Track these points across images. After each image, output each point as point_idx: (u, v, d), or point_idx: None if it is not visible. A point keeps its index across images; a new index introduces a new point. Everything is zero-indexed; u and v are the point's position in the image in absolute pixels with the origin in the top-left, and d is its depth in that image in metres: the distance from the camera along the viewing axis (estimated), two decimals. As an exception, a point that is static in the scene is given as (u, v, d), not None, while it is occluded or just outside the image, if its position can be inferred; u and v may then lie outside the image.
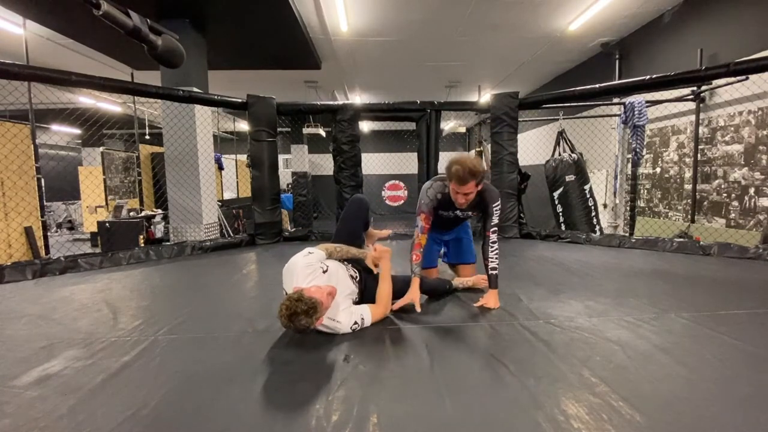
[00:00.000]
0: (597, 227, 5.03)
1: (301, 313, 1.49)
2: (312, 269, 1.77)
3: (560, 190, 5.03)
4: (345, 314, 1.75)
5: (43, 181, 4.63)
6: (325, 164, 14.04)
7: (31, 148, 4.49)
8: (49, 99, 5.36)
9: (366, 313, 1.81)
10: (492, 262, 2.07)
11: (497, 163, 4.29)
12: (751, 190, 3.97)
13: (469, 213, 2.22)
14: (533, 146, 6.66)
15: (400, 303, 1.97)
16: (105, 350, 1.62)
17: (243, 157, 8.99)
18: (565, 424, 1.08)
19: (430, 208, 2.11)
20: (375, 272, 2.04)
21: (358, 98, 9.95)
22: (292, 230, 4.82)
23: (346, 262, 2.00)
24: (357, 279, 1.95)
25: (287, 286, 1.76)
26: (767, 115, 3.81)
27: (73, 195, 9.84)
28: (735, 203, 4.15)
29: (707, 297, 2.19)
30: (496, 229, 2.10)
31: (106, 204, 7.17)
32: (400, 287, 2.04)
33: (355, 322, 1.75)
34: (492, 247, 2.07)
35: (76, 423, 1.13)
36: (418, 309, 1.93)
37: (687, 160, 4.74)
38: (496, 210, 2.08)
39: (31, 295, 2.44)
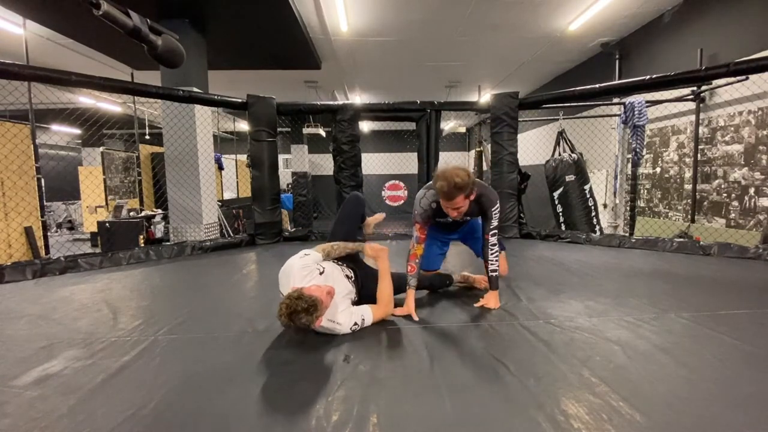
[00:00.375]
0: (597, 227, 5.03)
1: (301, 311, 1.49)
2: (308, 270, 1.77)
3: (560, 190, 5.03)
4: (344, 315, 1.74)
5: (43, 181, 4.64)
6: (325, 164, 14.04)
7: (31, 148, 4.49)
8: (49, 99, 5.36)
9: (367, 314, 1.80)
10: (492, 264, 2.06)
11: (497, 163, 4.29)
12: (751, 190, 3.97)
13: (467, 218, 2.18)
14: (533, 146, 6.66)
15: (397, 312, 1.96)
16: (105, 350, 1.62)
17: (243, 157, 8.99)
18: (565, 424, 1.08)
19: (425, 219, 2.07)
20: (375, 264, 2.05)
21: (358, 98, 9.95)
22: (292, 230, 4.83)
23: (340, 263, 2.00)
24: (353, 279, 1.96)
25: (284, 289, 1.75)
26: (767, 115, 3.81)
27: (73, 195, 9.84)
28: (735, 203, 4.15)
29: (707, 297, 2.19)
30: (495, 231, 2.07)
31: (106, 204, 7.18)
32: (397, 285, 2.05)
33: (355, 323, 1.74)
34: (492, 249, 2.06)
35: (76, 423, 1.13)
36: (416, 318, 1.91)
37: (687, 160, 4.74)
38: (495, 213, 2.05)
39: (31, 295, 2.44)
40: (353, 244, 2.10)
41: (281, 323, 1.57)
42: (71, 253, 3.25)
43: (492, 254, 2.06)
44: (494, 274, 2.07)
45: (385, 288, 1.91)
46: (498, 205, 2.05)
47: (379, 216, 2.82)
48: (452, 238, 2.50)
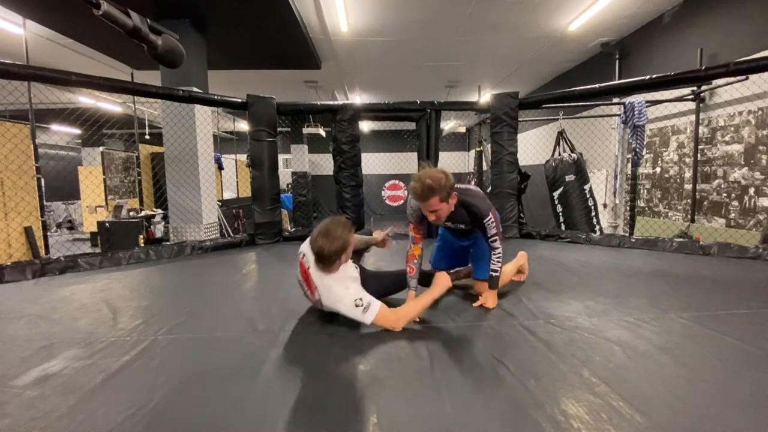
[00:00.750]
0: (597, 227, 5.03)
1: (338, 225, 1.67)
2: None
3: (560, 190, 5.03)
4: (355, 285, 1.75)
5: (43, 181, 4.64)
6: (325, 164, 14.04)
7: (31, 148, 4.49)
8: (49, 99, 5.36)
9: (374, 306, 1.69)
10: (493, 264, 2.05)
11: (497, 163, 4.29)
12: (751, 190, 3.97)
13: (462, 225, 2.11)
14: (533, 146, 6.66)
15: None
16: (105, 350, 1.61)
17: (243, 157, 8.99)
18: (565, 424, 1.08)
19: (416, 219, 2.06)
20: (387, 248, 2.28)
21: (358, 98, 9.95)
22: (292, 230, 4.82)
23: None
24: (358, 272, 1.99)
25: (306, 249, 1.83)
26: (767, 115, 3.81)
27: (73, 195, 9.84)
28: (735, 203, 4.15)
29: (707, 297, 2.19)
30: (496, 238, 2.01)
31: (106, 204, 7.18)
32: (397, 284, 2.09)
33: (361, 299, 1.68)
34: (494, 252, 2.04)
35: (76, 423, 1.13)
36: (416, 319, 1.88)
37: (687, 160, 4.74)
38: (488, 224, 1.97)
39: (31, 295, 2.44)
40: (367, 237, 2.24)
41: (315, 248, 1.67)
42: (71, 253, 3.25)
43: (494, 255, 2.04)
44: (495, 274, 2.06)
45: (413, 306, 1.82)
46: (491, 216, 1.97)
47: (383, 232, 2.78)
48: (463, 245, 2.37)
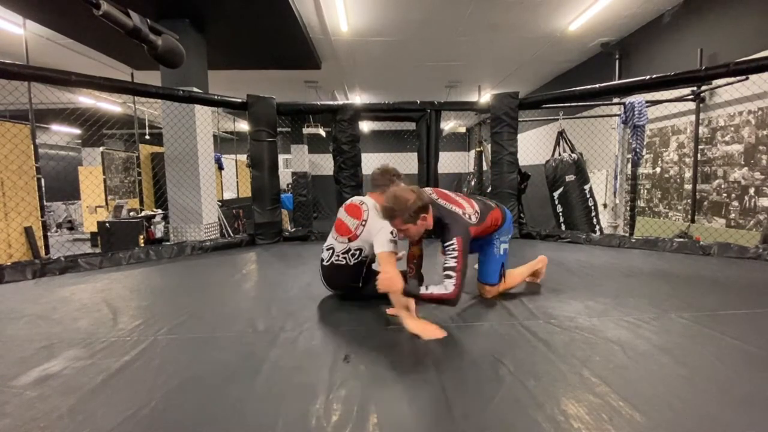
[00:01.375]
0: (597, 227, 5.03)
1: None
2: None
3: (560, 190, 5.03)
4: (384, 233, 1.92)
5: (43, 181, 4.64)
6: (325, 164, 14.04)
7: (31, 148, 4.49)
8: (49, 99, 5.37)
9: (393, 248, 1.91)
10: (430, 288, 1.77)
11: (497, 163, 4.29)
12: (751, 190, 3.97)
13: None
14: (533, 146, 6.66)
15: (395, 311, 1.88)
16: (105, 350, 1.61)
17: (243, 157, 8.99)
18: (565, 424, 1.08)
19: None
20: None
21: (358, 98, 9.95)
22: (292, 230, 4.82)
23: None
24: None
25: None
26: (767, 115, 3.81)
27: (73, 195, 9.84)
28: (735, 203, 4.15)
29: (707, 297, 2.19)
30: (452, 273, 1.71)
31: (106, 204, 7.18)
32: None
33: (396, 235, 1.89)
34: (445, 280, 1.74)
35: (76, 423, 1.13)
36: (414, 316, 1.84)
37: (687, 160, 4.74)
38: (449, 250, 1.76)
39: (31, 295, 2.44)
40: None
41: (375, 174, 2.13)
42: (71, 253, 3.25)
43: (444, 282, 1.74)
44: (423, 291, 1.78)
45: (400, 294, 1.76)
46: (454, 242, 1.76)
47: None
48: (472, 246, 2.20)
